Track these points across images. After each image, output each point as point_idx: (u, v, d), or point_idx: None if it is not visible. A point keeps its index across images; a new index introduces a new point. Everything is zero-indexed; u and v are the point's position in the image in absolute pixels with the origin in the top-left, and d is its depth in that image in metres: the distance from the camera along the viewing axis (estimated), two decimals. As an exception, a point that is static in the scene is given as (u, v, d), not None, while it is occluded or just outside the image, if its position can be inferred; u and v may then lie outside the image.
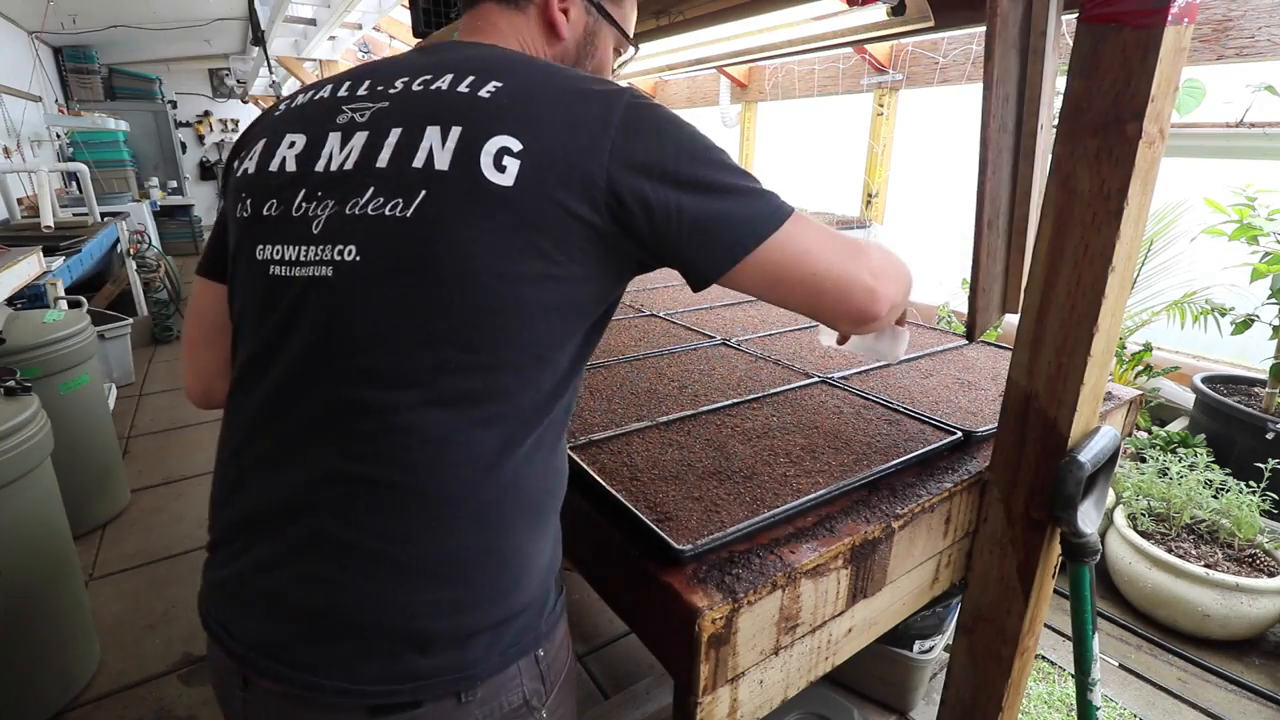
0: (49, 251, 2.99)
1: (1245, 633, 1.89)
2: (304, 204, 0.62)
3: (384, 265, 0.58)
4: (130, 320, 3.83)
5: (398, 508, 0.58)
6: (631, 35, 0.84)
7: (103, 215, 4.38)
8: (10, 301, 2.45)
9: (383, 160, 0.60)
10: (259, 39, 4.76)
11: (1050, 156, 0.79)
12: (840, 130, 4.22)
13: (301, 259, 0.61)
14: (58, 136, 5.58)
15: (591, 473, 0.89)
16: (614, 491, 0.84)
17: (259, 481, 0.64)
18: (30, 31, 5.58)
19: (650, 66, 1.91)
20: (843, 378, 1.27)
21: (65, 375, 2.27)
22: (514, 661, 0.64)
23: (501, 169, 0.57)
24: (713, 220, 0.61)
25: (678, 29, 1.42)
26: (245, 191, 0.67)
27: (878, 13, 1.21)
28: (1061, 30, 0.92)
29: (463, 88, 0.61)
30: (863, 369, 1.33)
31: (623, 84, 0.66)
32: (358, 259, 0.59)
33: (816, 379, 1.26)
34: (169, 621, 2.00)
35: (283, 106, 0.71)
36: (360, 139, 0.62)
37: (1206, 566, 1.90)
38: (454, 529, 0.59)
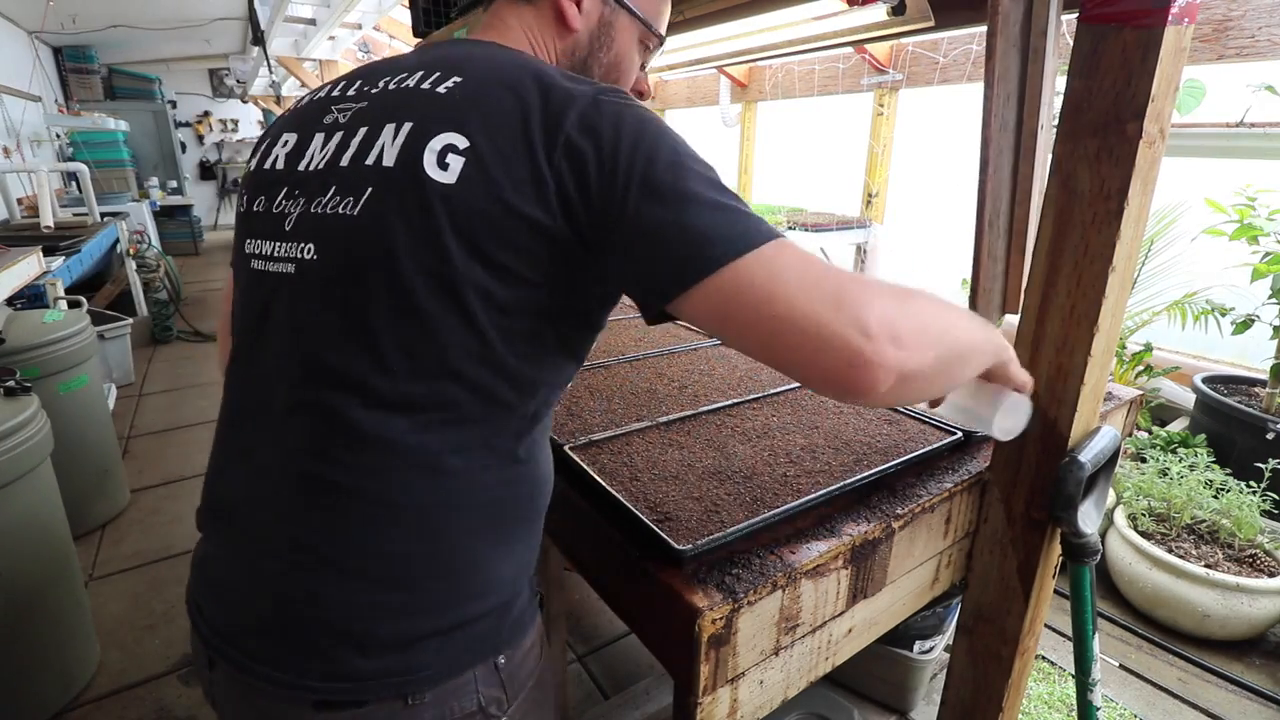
0: (49, 251, 2.99)
1: (1245, 633, 1.89)
2: (283, 201, 0.63)
3: (335, 264, 0.58)
4: (130, 320, 3.83)
5: (341, 509, 0.58)
6: (661, 28, 0.78)
7: (102, 215, 4.38)
8: (10, 301, 2.45)
9: (345, 159, 0.60)
10: (259, 39, 4.76)
11: (1050, 156, 0.79)
12: (840, 130, 4.22)
13: (275, 255, 0.62)
14: (57, 136, 5.58)
15: (591, 473, 0.89)
16: (614, 491, 0.84)
17: (233, 470, 0.66)
18: (30, 31, 5.57)
19: (650, 66, 1.91)
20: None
21: (65, 375, 2.27)
22: (468, 668, 0.62)
23: (444, 166, 0.55)
24: (665, 233, 0.53)
25: (678, 29, 1.42)
26: (245, 187, 0.70)
27: (878, 13, 1.21)
28: (1061, 30, 0.92)
29: (426, 84, 0.60)
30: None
31: (609, 86, 0.60)
32: (315, 257, 0.59)
33: (816, 379, 1.26)
34: (169, 621, 2.00)
35: (295, 106, 0.73)
36: (336, 139, 0.62)
37: (1207, 567, 1.90)
38: (397, 534, 0.59)
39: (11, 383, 1.68)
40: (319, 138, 0.64)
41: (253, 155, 0.72)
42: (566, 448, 0.96)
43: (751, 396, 1.17)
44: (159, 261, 4.74)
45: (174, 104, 8.10)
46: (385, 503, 0.58)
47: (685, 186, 0.54)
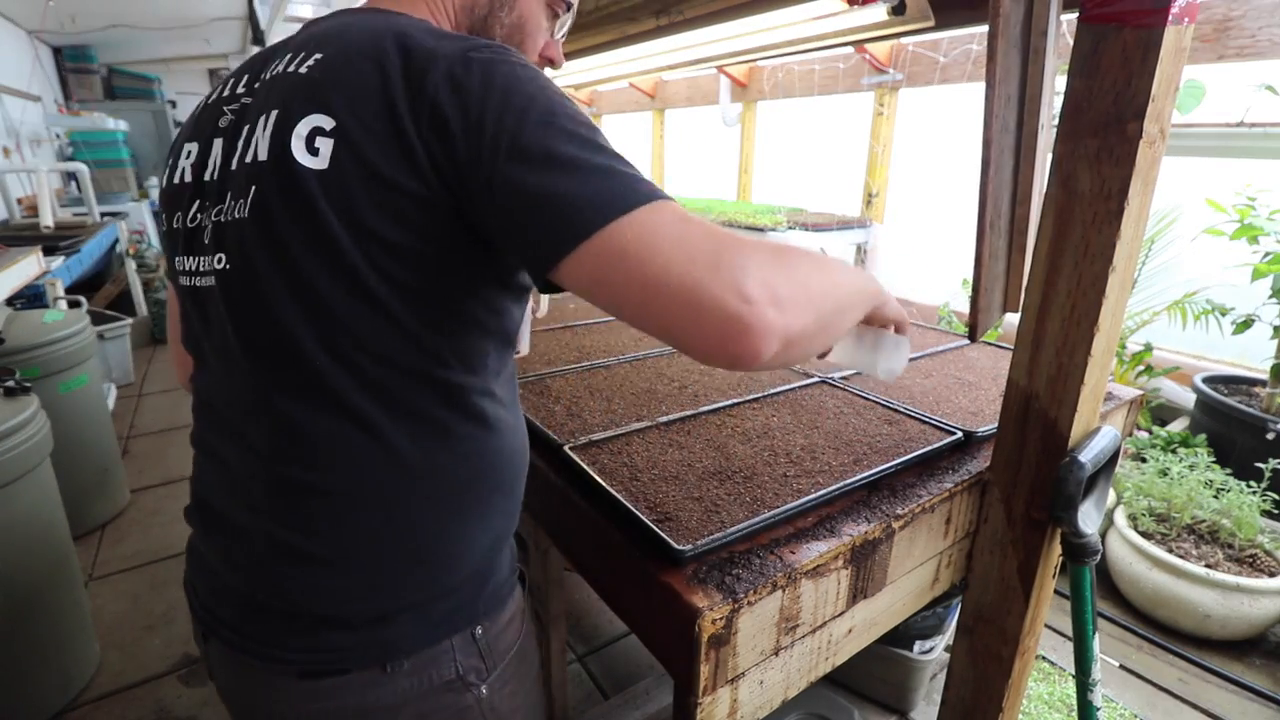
0: (48, 251, 2.99)
1: (1246, 633, 1.89)
2: (197, 214, 0.63)
3: (243, 272, 0.58)
4: (129, 320, 3.83)
5: (303, 505, 0.60)
6: None
7: (102, 215, 4.38)
8: (10, 301, 2.45)
9: (234, 162, 0.59)
10: (259, 39, 4.76)
11: (1050, 156, 0.79)
12: (840, 130, 4.22)
13: (199, 269, 0.63)
14: (57, 136, 5.58)
15: (591, 473, 0.89)
16: (614, 492, 0.84)
17: (205, 467, 0.70)
18: (30, 31, 5.57)
19: (650, 66, 1.90)
20: (843, 378, 1.27)
21: (65, 375, 2.27)
22: (446, 638, 0.64)
23: (314, 151, 0.54)
24: (537, 199, 0.50)
25: (678, 29, 1.42)
26: (162, 205, 0.69)
27: (878, 12, 1.21)
28: (1061, 30, 0.92)
29: (291, 67, 0.58)
30: (863, 369, 1.33)
31: (484, 41, 0.57)
32: (228, 267, 0.59)
33: (817, 379, 1.26)
34: (169, 622, 2.00)
35: (193, 113, 0.71)
36: (226, 142, 0.61)
37: (1207, 567, 1.90)
38: (358, 520, 0.61)
39: (11, 383, 1.68)
40: (216, 143, 0.62)
41: (163, 170, 0.70)
42: (566, 448, 0.96)
43: (751, 396, 1.17)
44: (158, 261, 4.74)
45: (174, 104, 8.09)
46: (343, 494, 0.60)
47: (556, 148, 0.51)
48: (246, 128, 0.59)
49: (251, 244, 0.56)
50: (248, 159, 0.57)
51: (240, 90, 0.63)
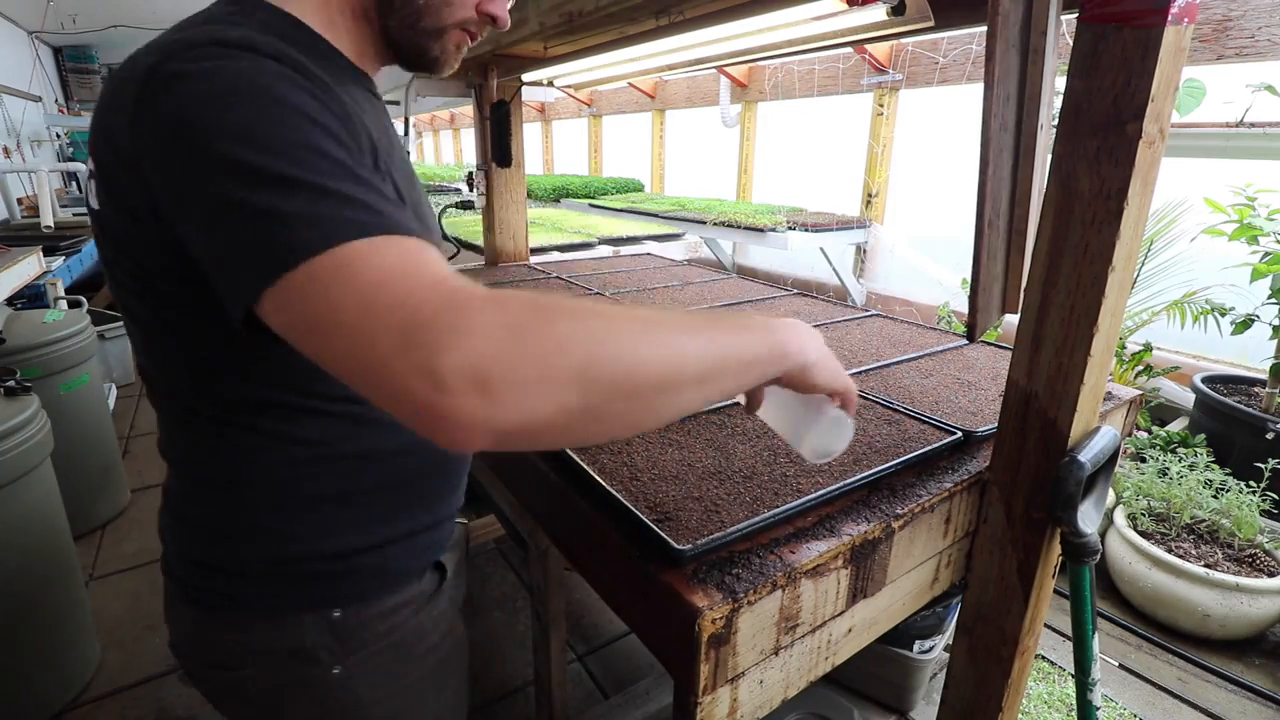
0: (49, 251, 2.99)
1: (1245, 633, 1.89)
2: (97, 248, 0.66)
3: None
4: (130, 320, 3.82)
5: (179, 480, 0.71)
6: None
7: (103, 215, 4.37)
8: (10, 301, 2.45)
9: (93, 200, 0.60)
10: (259, 39, 4.75)
11: (1050, 156, 0.79)
12: (840, 130, 4.22)
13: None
14: (58, 136, 5.58)
15: (591, 472, 0.89)
16: (614, 491, 0.84)
17: None
18: (30, 31, 5.58)
19: (650, 66, 1.90)
20: (843, 378, 1.27)
21: (65, 375, 2.27)
22: (298, 611, 0.69)
23: (94, 193, 0.58)
24: (208, 254, 0.47)
25: (678, 29, 1.42)
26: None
27: (878, 13, 1.21)
28: (1061, 30, 0.92)
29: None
30: (862, 369, 1.33)
31: (183, 40, 0.51)
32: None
33: (816, 379, 1.26)
34: (169, 621, 2.00)
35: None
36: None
37: (1207, 566, 1.90)
38: (207, 500, 0.69)
39: (12, 382, 1.68)
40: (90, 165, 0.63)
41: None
42: (566, 448, 0.96)
43: (751, 396, 1.17)
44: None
45: (174, 104, 8.11)
46: (195, 478, 0.69)
47: (215, 191, 0.44)
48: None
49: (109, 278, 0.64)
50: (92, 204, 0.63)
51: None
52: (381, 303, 0.40)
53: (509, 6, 0.72)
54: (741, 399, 0.72)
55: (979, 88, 0.81)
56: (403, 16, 0.66)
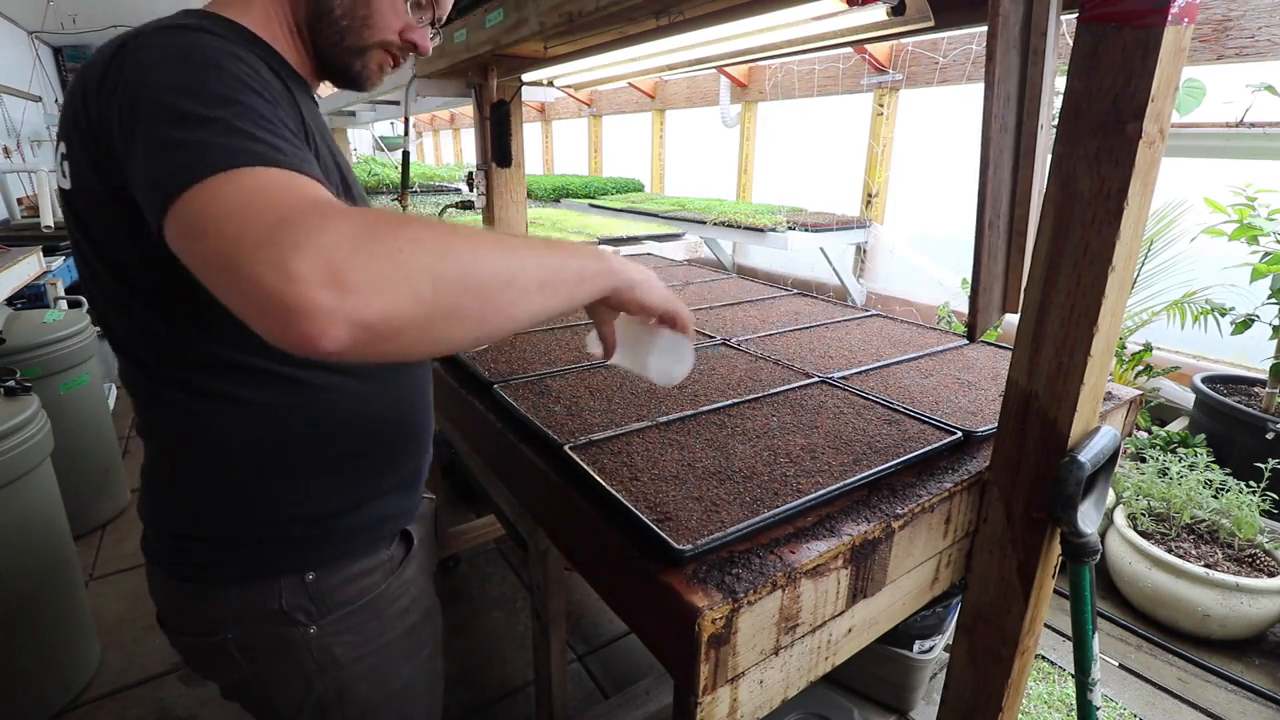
0: (49, 251, 2.99)
1: (1245, 633, 1.89)
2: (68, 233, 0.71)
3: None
4: (130, 320, 3.82)
5: (151, 447, 0.75)
6: None
7: (103, 215, 4.37)
8: (10, 301, 2.45)
9: (64, 182, 0.65)
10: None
11: (1050, 157, 0.79)
12: (840, 130, 4.22)
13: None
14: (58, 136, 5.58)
15: (592, 473, 0.89)
16: (614, 491, 0.84)
17: None
18: (30, 31, 5.57)
19: (650, 66, 1.91)
20: (843, 378, 1.27)
21: (65, 375, 2.27)
22: (276, 576, 0.74)
23: (65, 174, 0.63)
24: (140, 189, 0.52)
25: (678, 29, 1.42)
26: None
27: (878, 13, 1.21)
28: (1061, 30, 0.92)
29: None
30: (863, 368, 1.33)
31: (152, 26, 0.59)
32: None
33: (817, 379, 1.26)
34: (169, 621, 2.00)
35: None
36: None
37: (1206, 566, 1.90)
38: (181, 471, 0.72)
39: (12, 382, 1.68)
40: (63, 146, 0.67)
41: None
42: (566, 448, 0.96)
43: (751, 396, 1.17)
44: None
45: (174, 104, 8.12)
46: (163, 446, 0.73)
47: (163, 134, 0.50)
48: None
49: (79, 261, 0.69)
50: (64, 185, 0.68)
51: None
52: (256, 206, 0.44)
53: (431, 38, 0.80)
54: (598, 349, 0.76)
55: (979, 88, 0.81)
56: (329, 34, 0.74)
